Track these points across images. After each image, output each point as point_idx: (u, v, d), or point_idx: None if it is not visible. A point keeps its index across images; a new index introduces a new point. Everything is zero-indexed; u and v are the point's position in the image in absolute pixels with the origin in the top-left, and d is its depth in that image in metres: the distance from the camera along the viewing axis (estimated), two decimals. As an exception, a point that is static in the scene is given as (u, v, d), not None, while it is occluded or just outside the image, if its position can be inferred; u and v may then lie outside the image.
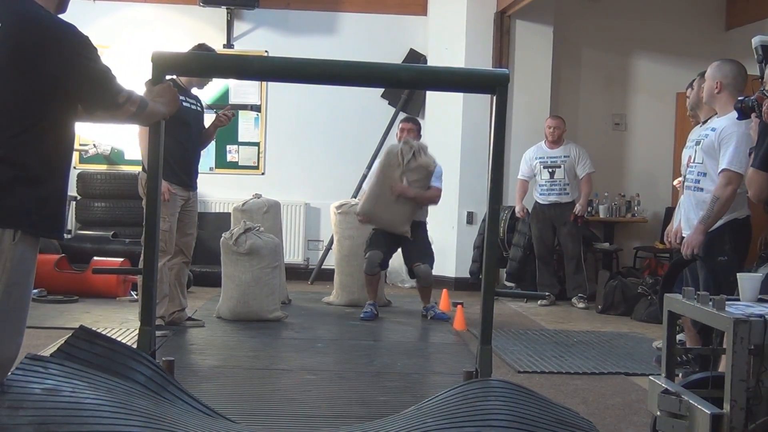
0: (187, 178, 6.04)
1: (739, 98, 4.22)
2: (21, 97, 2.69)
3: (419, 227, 7.29)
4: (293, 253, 9.27)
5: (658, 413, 3.22)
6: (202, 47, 6.02)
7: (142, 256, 3.61)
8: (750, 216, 4.83)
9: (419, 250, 7.22)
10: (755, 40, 4.09)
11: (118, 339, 4.67)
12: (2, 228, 2.62)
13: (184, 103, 5.60)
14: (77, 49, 2.79)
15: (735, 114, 4.80)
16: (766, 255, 4.63)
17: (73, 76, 2.77)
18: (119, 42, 8.94)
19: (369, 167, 8.93)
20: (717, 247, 4.75)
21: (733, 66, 4.89)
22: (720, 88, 4.85)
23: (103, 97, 2.87)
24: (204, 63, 4.06)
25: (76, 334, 3.07)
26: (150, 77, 3.34)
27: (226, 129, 9.35)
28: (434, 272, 9.21)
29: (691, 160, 4.98)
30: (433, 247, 9.47)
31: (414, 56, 9.34)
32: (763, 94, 3.67)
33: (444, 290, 8.24)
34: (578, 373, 5.48)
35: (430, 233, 9.17)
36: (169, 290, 5.99)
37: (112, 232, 8.40)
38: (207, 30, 9.21)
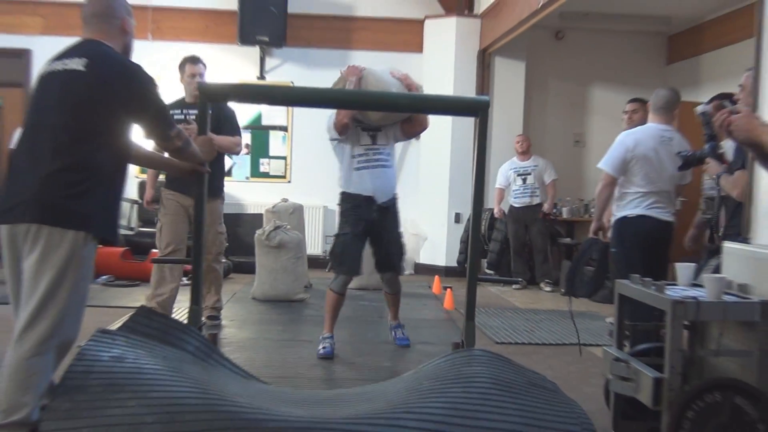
0: (186, 186, 5.13)
1: (680, 153, 4.08)
2: (98, 118, 2.70)
3: (391, 212, 5.01)
4: (314, 246, 9.25)
5: (611, 377, 3.22)
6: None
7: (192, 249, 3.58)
8: (643, 216, 4.67)
9: (390, 251, 5.02)
10: (698, 109, 3.76)
11: (172, 316, 4.68)
12: (76, 230, 2.62)
13: (187, 117, 5.23)
14: (145, 84, 2.82)
15: (638, 128, 4.82)
16: (714, 249, 4.60)
17: (138, 105, 2.80)
18: (171, 74, 8.94)
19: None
20: (612, 239, 4.77)
21: (665, 91, 4.88)
22: (646, 109, 4.90)
23: (159, 127, 2.89)
24: (241, 91, 4.06)
25: (138, 312, 3.08)
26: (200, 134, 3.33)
27: (260, 146, 9.42)
28: (428, 262, 9.27)
29: None
30: (427, 241, 9.47)
31: (412, 86, 9.34)
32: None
33: (436, 276, 8.27)
34: (545, 344, 5.49)
35: (424, 230, 9.20)
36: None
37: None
38: (243, 64, 9.22)
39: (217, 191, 5.31)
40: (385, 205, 4.89)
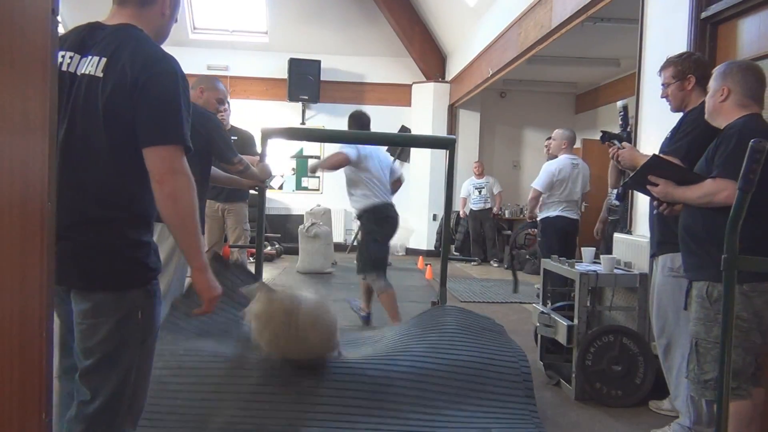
0: (215, 194, 4.43)
1: (603, 130, 3.53)
2: (197, 152, 2.75)
3: (361, 223, 4.35)
4: (338, 236, 9.18)
5: (538, 324, 3.21)
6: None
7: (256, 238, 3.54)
8: (559, 216, 4.60)
9: (360, 253, 4.16)
10: (619, 104, 2.98)
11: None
12: None
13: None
14: (218, 130, 2.96)
15: (557, 160, 4.77)
16: (603, 237, 4.54)
17: (214, 143, 2.92)
18: (240, 122, 8.92)
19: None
20: (538, 232, 4.78)
21: (565, 131, 4.89)
22: (560, 143, 4.91)
23: (227, 154, 2.95)
24: (289, 132, 4.01)
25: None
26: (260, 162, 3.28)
27: (302, 169, 9.38)
28: (414, 247, 9.24)
29: None
30: (414, 232, 9.35)
31: (404, 129, 9.32)
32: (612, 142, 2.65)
33: (420, 256, 8.25)
34: (494, 302, 5.48)
35: (412, 225, 9.18)
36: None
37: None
38: (290, 115, 9.20)
39: (242, 195, 4.53)
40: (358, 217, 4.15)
